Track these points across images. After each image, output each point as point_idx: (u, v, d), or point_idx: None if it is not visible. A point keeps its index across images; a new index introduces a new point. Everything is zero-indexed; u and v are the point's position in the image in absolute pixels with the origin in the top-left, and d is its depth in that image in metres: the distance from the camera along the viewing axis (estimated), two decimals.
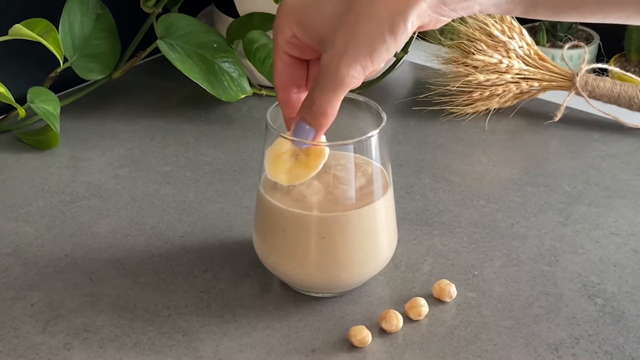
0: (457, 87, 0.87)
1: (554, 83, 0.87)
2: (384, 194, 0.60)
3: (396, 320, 0.60)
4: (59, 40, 0.76)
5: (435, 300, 0.63)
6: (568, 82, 0.87)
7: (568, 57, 0.96)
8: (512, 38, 0.86)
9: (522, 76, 0.87)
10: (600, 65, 0.89)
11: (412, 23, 0.51)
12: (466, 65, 0.86)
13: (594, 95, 0.86)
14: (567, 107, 0.87)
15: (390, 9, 0.50)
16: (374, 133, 0.58)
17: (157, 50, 0.87)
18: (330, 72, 0.52)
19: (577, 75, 0.86)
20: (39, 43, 0.74)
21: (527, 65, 0.87)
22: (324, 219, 0.58)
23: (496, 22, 0.87)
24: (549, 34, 1.03)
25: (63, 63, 0.80)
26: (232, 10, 0.93)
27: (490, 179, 0.79)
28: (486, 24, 0.86)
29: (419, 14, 0.50)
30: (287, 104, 0.57)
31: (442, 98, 0.88)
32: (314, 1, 0.53)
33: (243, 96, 0.87)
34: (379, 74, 0.93)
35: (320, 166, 0.57)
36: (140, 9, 0.88)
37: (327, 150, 0.57)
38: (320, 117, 0.54)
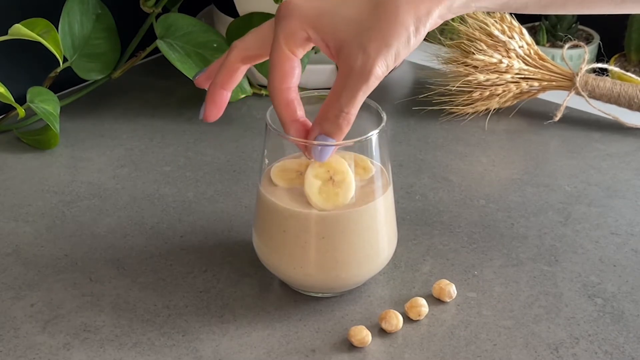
0: (457, 87, 0.87)
1: (553, 83, 0.87)
2: (383, 193, 0.60)
3: (396, 320, 0.60)
4: (59, 40, 0.76)
5: (435, 300, 0.63)
6: (568, 82, 0.87)
7: (568, 56, 0.96)
8: (512, 38, 0.86)
9: (522, 76, 0.87)
10: (600, 65, 0.89)
11: (431, 24, 0.54)
12: (466, 65, 0.86)
13: (594, 95, 0.86)
14: (567, 107, 0.87)
15: (415, 15, 0.53)
16: (374, 133, 0.58)
17: (157, 50, 0.87)
18: (364, 73, 0.53)
19: (577, 75, 0.86)
20: (39, 43, 0.74)
21: (527, 65, 0.87)
22: (323, 218, 0.58)
23: (496, 22, 0.87)
24: (549, 33, 1.03)
25: (63, 63, 0.80)
26: (232, 10, 0.93)
27: (490, 179, 0.79)
28: (486, 24, 0.86)
29: (441, 15, 0.54)
30: (289, 105, 0.56)
31: (442, 98, 0.88)
32: (331, 5, 0.54)
33: (243, 96, 0.87)
34: None
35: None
36: (140, 9, 0.88)
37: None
38: (345, 124, 0.55)
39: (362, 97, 0.54)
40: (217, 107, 0.58)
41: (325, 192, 0.58)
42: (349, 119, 0.54)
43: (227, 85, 0.58)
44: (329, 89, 0.55)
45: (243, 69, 0.59)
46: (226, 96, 0.59)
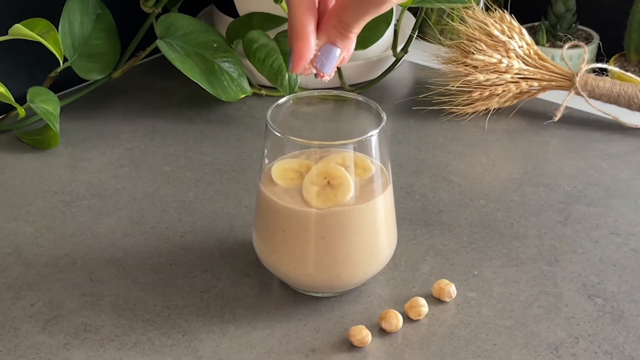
0: (457, 87, 0.87)
1: (553, 83, 0.87)
2: (383, 192, 0.60)
3: (396, 320, 0.60)
4: (59, 40, 0.76)
5: (435, 300, 0.63)
6: (568, 82, 0.87)
7: (568, 56, 0.96)
8: (511, 38, 0.86)
9: (522, 76, 0.87)
10: (600, 65, 0.89)
11: None
12: (466, 65, 0.86)
13: (593, 95, 0.86)
14: (566, 107, 0.87)
15: None
16: (374, 132, 0.58)
17: (157, 50, 0.87)
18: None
19: (577, 75, 0.86)
20: (39, 43, 0.74)
21: (526, 65, 0.87)
22: (323, 217, 0.58)
23: (496, 22, 0.87)
24: (548, 33, 1.03)
25: (63, 63, 0.80)
26: (232, 10, 0.93)
27: (490, 179, 0.79)
28: (486, 24, 0.86)
29: None
30: (306, 33, 0.55)
31: (442, 98, 0.88)
32: None
33: (243, 96, 0.87)
34: (379, 74, 0.93)
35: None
36: (140, 9, 0.88)
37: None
38: (350, 37, 0.55)
39: (371, 13, 0.54)
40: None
41: (324, 194, 0.58)
42: (353, 32, 0.55)
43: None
44: (329, 89, 0.55)
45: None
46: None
